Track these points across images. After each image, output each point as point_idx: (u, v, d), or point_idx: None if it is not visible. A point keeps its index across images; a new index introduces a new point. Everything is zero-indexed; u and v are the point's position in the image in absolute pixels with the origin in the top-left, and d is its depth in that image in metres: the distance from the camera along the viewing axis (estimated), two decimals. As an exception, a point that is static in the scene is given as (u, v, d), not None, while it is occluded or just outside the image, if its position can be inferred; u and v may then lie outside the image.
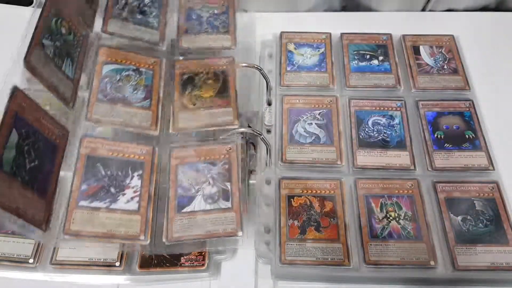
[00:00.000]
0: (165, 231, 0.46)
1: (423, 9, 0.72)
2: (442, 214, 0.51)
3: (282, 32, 0.66)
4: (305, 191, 0.53)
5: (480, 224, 0.50)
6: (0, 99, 0.40)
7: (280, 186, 0.53)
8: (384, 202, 0.52)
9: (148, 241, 0.45)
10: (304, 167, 0.55)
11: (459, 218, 0.51)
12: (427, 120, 0.58)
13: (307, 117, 0.59)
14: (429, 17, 0.72)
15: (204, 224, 0.46)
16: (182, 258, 0.49)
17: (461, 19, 0.71)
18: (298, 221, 0.51)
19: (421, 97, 0.60)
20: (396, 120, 0.58)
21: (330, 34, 0.66)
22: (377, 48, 0.65)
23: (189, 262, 0.48)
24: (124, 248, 0.47)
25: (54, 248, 0.48)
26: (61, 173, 0.46)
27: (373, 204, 0.52)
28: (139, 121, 0.51)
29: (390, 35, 0.66)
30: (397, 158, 0.55)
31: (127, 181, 0.47)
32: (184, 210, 0.47)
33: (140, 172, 0.48)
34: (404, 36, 0.66)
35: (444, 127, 0.58)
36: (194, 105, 0.52)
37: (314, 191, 0.53)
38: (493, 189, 0.53)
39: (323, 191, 0.53)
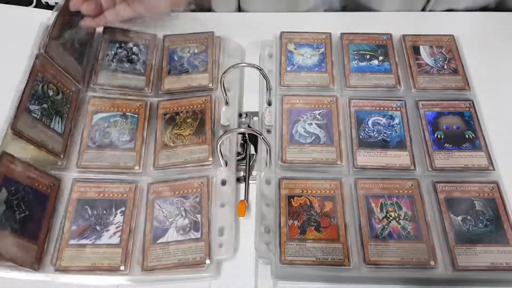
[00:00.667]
0: (141, 261, 0.49)
1: (423, 9, 0.72)
2: (442, 214, 0.51)
3: (282, 32, 0.66)
4: (305, 191, 0.53)
5: (480, 224, 0.50)
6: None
7: (280, 186, 0.53)
8: (384, 202, 0.52)
9: (128, 271, 0.49)
10: (304, 167, 0.55)
11: (459, 218, 0.51)
12: (427, 120, 0.58)
13: (307, 117, 0.59)
14: (429, 17, 0.72)
15: (176, 253, 0.49)
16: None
17: (461, 19, 0.71)
18: (298, 221, 0.51)
19: (421, 97, 0.60)
20: (396, 120, 0.58)
21: (330, 34, 0.66)
22: (377, 48, 0.65)
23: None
24: None
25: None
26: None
27: (373, 204, 0.52)
28: (124, 162, 0.55)
29: (390, 35, 0.66)
30: (397, 158, 0.55)
31: (111, 219, 0.52)
32: (159, 241, 0.50)
33: (123, 208, 0.52)
34: (404, 36, 0.66)
35: (444, 127, 0.58)
36: (174, 143, 0.56)
37: (314, 191, 0.53)
38: (493, 189, 0.53)
39: (323, 191, 0.53)
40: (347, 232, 0.50)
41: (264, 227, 0.51)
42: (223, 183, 0.55)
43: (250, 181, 0.56)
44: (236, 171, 0.56)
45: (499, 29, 0.69)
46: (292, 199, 0.52)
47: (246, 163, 0.57)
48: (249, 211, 0.54)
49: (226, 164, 0.55)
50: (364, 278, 0.48)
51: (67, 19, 0.61)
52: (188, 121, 0.58)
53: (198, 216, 0.51)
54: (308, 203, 0.52)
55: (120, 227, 0.51)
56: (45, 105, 0.55)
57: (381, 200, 0.52)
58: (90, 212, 0.52)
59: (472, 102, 0.60)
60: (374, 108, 0.59)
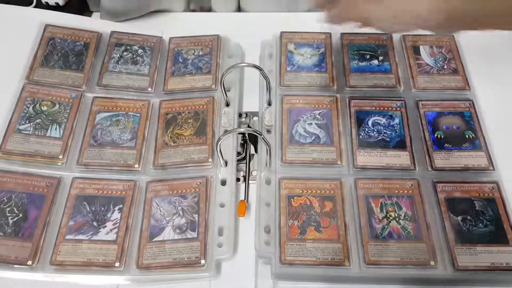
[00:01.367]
0: (136, 259, 0.49)
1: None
2: (442, 214, 0.51)
3: (282, 32, 0.66)
4: (305, 191, 0.53)
5: (480, 224, 0.50)
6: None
7: (280, 186, 0.53)
8: (384, 202, 0.52)
9: (123, 268, 0.49)
10: (304, 167, 0.55)
11: (459, 218, 0.51)
12: (427, 120, 0.58)
13: (307, 117, 0.59)
14: (429, 17, 0.72)
15: (172, 252, 0.49)
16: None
17: (461, 19, 0.71)
18: (298, 221, 0.51)
19: (421, 97, 0.60)
20: (396, 120, 0.58)
21: (330, 34, 0.66)
22: (377, 48, 0.65)
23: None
24: None
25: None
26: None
27: (373, 204, 0.52)
28: (124, 160, 0.55)
29: (390, 35, 0.66)
30: (397, 158, 0.55)
31: (109, 215, 0.52)
32: (155, 239, 0.50)
33: (121, 206, 0.52)
34: (404, 36, 0.66)
35: (444, 127, 0.58)
36: (174, 142, 0.56)
37: (314, 191, 0.53)
38: (493, 189, 0.53)
39: (323, 191, 0.53)
40: (347, 232, 0.50)
41: (264, 227, 0.51)
42: (223, 183, 0.55)
43: (250, 181, 0.56)
44: (236, 171, 0.56)
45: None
46: (292, 199, 0.52)
47: (246, 163, 0.57)
48: (249, 211, 0.54)
49: (226, 164, 0.55)
50: (364, 278, 0.48)
51: (53, 45, 0.64)
52: (189, 121, 0.58)
53: (195, 216, 0.51)
54: (308, 203, 0.52)
55: (117, 224, 0.51)
56: (38, 120, 0.57)
57: (381, 200, 0.52)
58: (88, 208, 0.52)
59: (472, 102, 0.60)
60: (374, 108, 0.59)
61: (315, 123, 0.58)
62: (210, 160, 0.55)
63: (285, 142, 0.56)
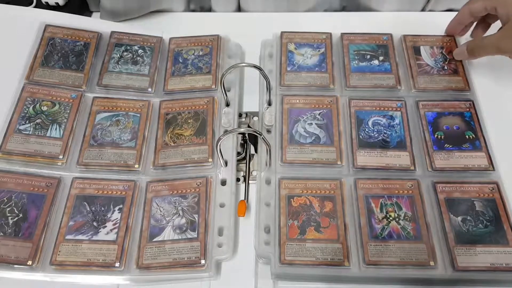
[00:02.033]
0: (136, 259, 0.49)
1: (423, 9, 0.72)
2: (442, 215, 0.51)
3: (282, 32, 0.66)
4: (305, 191, 0.53)
5: (480, 225, 0.50)
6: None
7: (280, 186, 0.53)
8: (384, 202, 0.52)
9: (123, 268, 0.49)
10: (304, 167, 0.55)
11: (459, 218, 0.51)
12: (427, 120, 0.58)
13: (307, 117, 0.59)
14: (429, 17, 0.72)
15: (171, 252, 0.49)
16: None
17: (462, 19, 0.71)
18: (298, 221, 0.51)
19: (421, 98, 0.60)
20: (396, 120, 0.58)
21: (330, 34, 0.66)
22: (378, 48, 0.65)
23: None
24: None
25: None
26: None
27: (373, 204, 0.52)
28: (124, 160, 0.56)
29: (391, 35, 0.66)
30: (397, 158, 0.55)
31: (109, 215, 0.52)
32: (155, 239, 0.50)
33: (121, 206, 0.52)
34: (404, 36, 0.66)
35: (444, 128, 0.58)
36: (174, 142, 0.56)
37: (314, 191, 0.53)
38: (493, 189, 0.53)
39: (323, 191, 0.53)
40: (347, 232, 0.50)
41: (264, 227, 0.51)
42: (223, 183, 0.55)
43: (250, 181, 0.56)
44: (236, 171, 0.56)
45: (499, 29, 0.69)
46: (292, 199, 0.52)
47: (246, 163, 0.57)
48: (249, 211, 0.54)
49: (226, 164, 0.55)
50: (364, 278, 0.48)
51: (53, 45, 0.64)
52: (189, 121, 0.58)
53: (195, 216, 0.51)
54: (308, 203, 0.52)
55: (117, 224, 0.51)
56: (38, 120, 0.57)
57: (381, 200, 0.52)
58: (88, 208, 0.52)
59: (473, 103, 0.60)
60: (374, 108, 0.59)
61: (315, 123, 0.58)
62: (210, 160, 0.55)
63: (285, 142, 0.56)
